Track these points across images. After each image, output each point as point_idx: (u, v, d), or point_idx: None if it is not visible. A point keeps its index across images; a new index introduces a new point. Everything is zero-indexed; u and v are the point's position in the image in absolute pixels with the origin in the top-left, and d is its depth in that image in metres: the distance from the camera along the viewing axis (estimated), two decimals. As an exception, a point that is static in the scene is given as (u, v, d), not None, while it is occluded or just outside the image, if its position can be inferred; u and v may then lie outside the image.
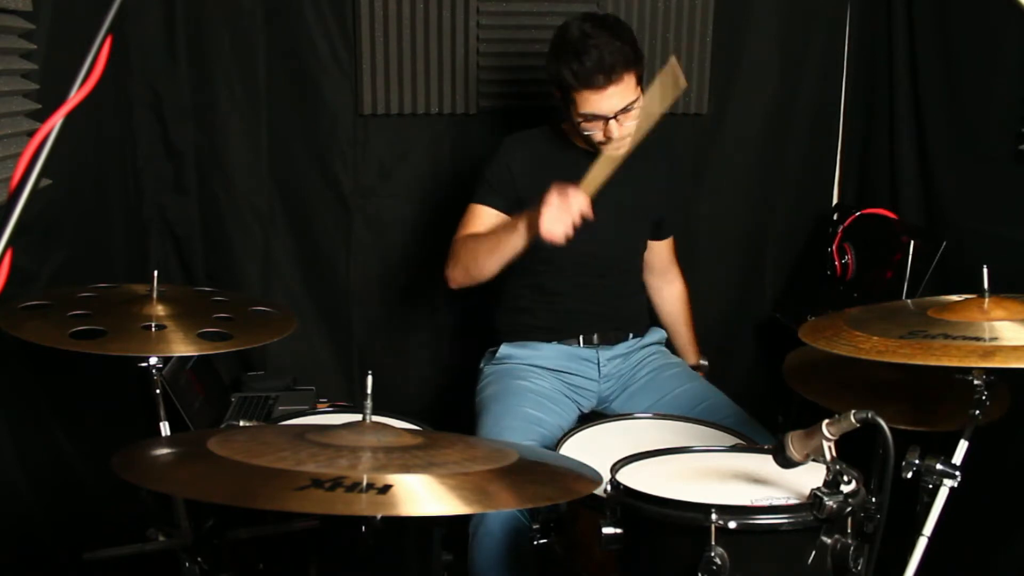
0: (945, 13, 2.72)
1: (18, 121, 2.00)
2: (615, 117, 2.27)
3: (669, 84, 2.28)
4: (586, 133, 2.32)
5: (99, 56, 1.06)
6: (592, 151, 2.37)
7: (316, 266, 3.01)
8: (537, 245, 2.35)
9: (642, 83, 2.32)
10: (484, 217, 2.42)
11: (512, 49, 2.91)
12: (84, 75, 1.05)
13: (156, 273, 1.96)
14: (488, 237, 2.33)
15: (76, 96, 1.05)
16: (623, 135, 2.29)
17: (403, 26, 2.83)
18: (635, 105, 2.27)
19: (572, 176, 2.35)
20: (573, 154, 2.43)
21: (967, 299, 1.76)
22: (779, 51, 3.11)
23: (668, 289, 2.73)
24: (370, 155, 2.96)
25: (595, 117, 2.28)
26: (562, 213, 2.11)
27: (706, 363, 2.73)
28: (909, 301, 2.21)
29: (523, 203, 2.34)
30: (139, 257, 2.81)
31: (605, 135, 2.29)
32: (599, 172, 2.25)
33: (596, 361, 2.47)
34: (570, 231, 2.12)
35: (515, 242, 2.23)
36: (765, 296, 3.25)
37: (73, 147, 2.24)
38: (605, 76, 2.24)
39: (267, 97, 2.87)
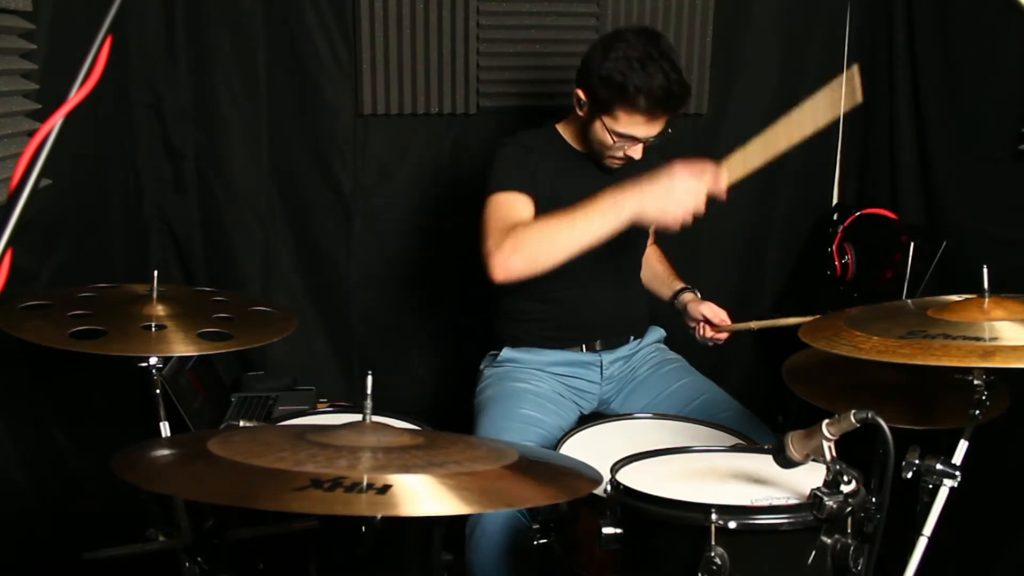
0: (945, 13, 2.72)
1: (18, 121, 2.00)
2: (645, 142, 2.23)
3: (838, 96, 1.98)
4: (606, 146, 2.26)
5: (99, 56, 1.06)
6: (592, 158, 2.36)
7: (316, 266, 3.01)
8: None
9: None
10: (522, 204, 2.23)
11: (512, 49, 2.91)
12: (84, 75, 1.05)
13: (156, 273, 1.96)
14: (568, 219, 2.05)
15: (76, 96, 1.05)
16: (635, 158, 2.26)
17: (403, 26, 2.84)
18: (665, 134, 2.22)
19: (584, 191, 2.33)
20: (579, 161, 2.39)
21: (967, 299, 1.76)
22: (779, 51, 3.11)
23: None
24: (370, 155, 2.96)
25: (629, 138, 2.22)
26: (689, 195, 1.94)
27: (695, 291, 2.51)
28: (909, 301, 2.21)
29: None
30: (139, 257, 2.81)
31: (624, 153, 2.26)
32: (757, 154, 2.04)
33: (599, 365, 2.45)
34: (689, 217, 1.96)
35: (610, 225, 2.01)
36: (765, 296, 3.25)
37: (73, 147, 2.24)
38: (664, 107, 2.16)
39: (267, 97, 2.87)
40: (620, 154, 2.28)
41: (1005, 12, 2.40)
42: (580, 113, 2.30)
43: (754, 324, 2.34)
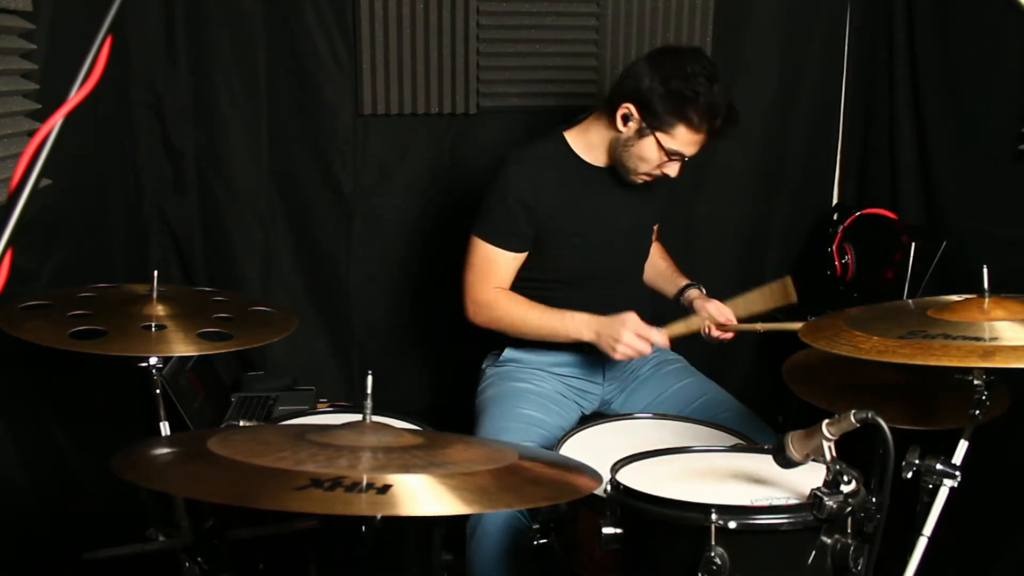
0: (945, 13, 2.72)
1: (18, 121, 1.99)
2: (685, 160, 2.24)
3: (777, 294, 2.32)
4: (649, 163, 2.24)
5: (99, 56, 1.06)
6: (611, 172, 2.34)
7: (316, 266, 3.01)
8: (547, 264, 2.36)
9: None
10: (505, 264, 2.33)
11: (512, 49, 2.91)
12: (84, 75, 1.05)
13: (156, 273, 1.96)
14: (537, 320, 2.30)
15: (76, 96, 1.05)
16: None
17: (403, 26, 2.83)
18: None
19: (593, 206, 2.34)
20: (588, 174, 2.35)
21: (967, 299, 1.76)
22: (779, 51, 3.11)
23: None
24: (370, 155, 2.96)
25: (676, 155, 2.22)
26: (633, 348, 2.19)
27: (700, 287, 2.55)
28: (909, 301, 2.22)
29: (543, 240, 2.33)
30: (139, 257, 2.81)
31: (661, 170, 2.26)
32: (686, 327, 2.30)
33: (601, 365, 2.45)
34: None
35: (569, 339, 2.29)
36: (765, 296, 3.25)
37: (73, 147, 2.24)
38: (725, 128, 2.21)
39: (267, 97, 2.87)
40: (658, 172, 2.27)
41: (1005, 12, 2.40)
42: (622, 128, 2.24)
43: (760, 326, 2.34)
